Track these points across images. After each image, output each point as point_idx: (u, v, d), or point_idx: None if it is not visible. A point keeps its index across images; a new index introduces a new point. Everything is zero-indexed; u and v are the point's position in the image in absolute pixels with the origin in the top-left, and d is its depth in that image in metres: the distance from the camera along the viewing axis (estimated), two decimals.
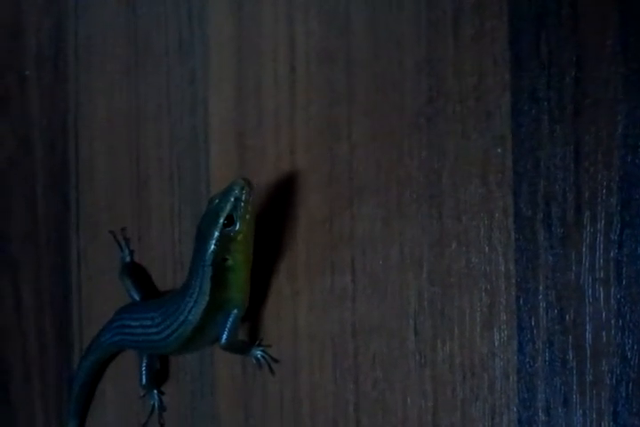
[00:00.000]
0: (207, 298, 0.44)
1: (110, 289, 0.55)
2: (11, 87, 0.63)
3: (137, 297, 0.52)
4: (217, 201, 0.43)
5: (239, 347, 0.46)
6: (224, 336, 0.45)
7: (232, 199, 0.42)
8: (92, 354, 0.54)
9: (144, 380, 0.52)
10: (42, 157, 0.62)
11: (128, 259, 0.54)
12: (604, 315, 0.34)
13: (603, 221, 0.34)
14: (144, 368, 0.51)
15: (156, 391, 0.53)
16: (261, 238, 0.46)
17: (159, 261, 0.53)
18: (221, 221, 0.42)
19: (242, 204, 0.42)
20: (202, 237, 0.44)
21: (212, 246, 0.43)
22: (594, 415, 0.34)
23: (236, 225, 0.43)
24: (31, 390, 0.63)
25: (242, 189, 0.42)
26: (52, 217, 0.61)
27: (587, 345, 0.35)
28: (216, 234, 0.43)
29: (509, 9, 0.37)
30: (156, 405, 0.53)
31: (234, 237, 0.43)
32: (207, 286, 0.44)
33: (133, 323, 0.49)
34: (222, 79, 0.49)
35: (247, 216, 0.43)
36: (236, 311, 0.45)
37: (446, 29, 0.39)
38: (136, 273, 0.54)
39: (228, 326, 0.45)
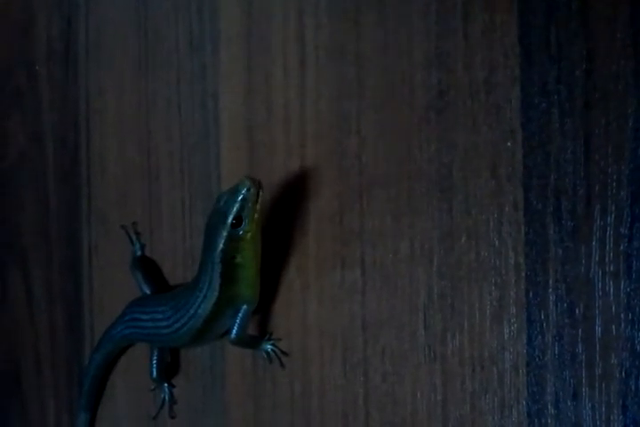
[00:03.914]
0: (217, 293, 0.44)
1: (121, 283, 0.56)
2: (21, 82, 0.64)
3: (148, 291, 0.53)
4: (224, 200, 0.43)
5: (249, 342, 0.47)
6: (234, 331, 0.45)
7: (239, 199, 0.42)
8: (103, 347, 0.55)
9: (155, 373, 0.52)
10: (53, 151, 0.62)
11: (139, 253, 0.55)
12: (613, 308, 0.34)
13: (613, 215, 0.34)
14: (155, 361, 0.52)
15: (166, 385, 0.53)
16: (271, 233, 0.46)
17: (170, 255, 0.53)
18: (229, 221, 0.43)
19: (249, 204, 0.43)
20: (210, 236, 0.44)
21: (221, 246, 0.43)
22: (603, 409, 0.34)
23: (244, 225, 0.43)
24: (43, 382, 0.63)
25: (248, 189, 0.42)
26: (64, 211, 0.62)
27: (596, 339, 0.35)
28: (224, 234, 0.43)
29: (519, 3, 0.37)
30: (167, 398, 0.53)
31: (242, 236, 0.43)
32: (217, 282, 0.44)
33: (144, 316, 0.50)
34: (232, 74, 0.50)
35: (255, 215, 0.43)
36: (245, 307, 0.45)
37: (456, 23, 0.39)
38: (147, 267, 0.54)
39: (237, 321, 0.45)
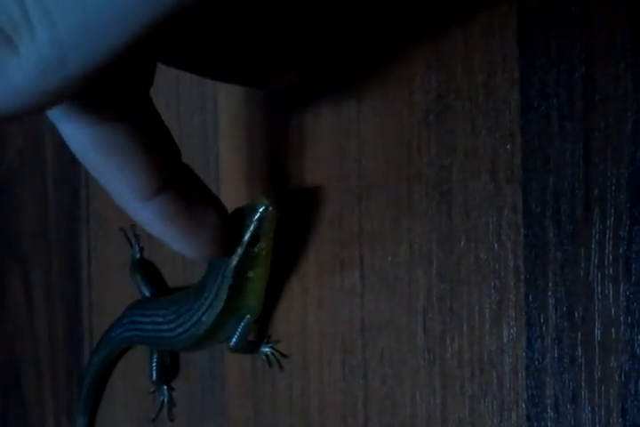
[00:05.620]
0: (222, 303, 0.44)
1: (120, 285, 0.56)
2: None
3: (147, 293, 0.53)
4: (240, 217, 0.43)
5: (247, 348, 0.47)
6: (234, 340, 0.45)
7: (256, 219, 0.43)
8: (102, 350, 0.55)
9: (154, 376, 0.52)
10: (52, 153, 0.62)
11: (138, 255, 0.55)
12: (612, 311, 0.34)
13: (612, 218, 0.34)
14: (154, 364, 0.52)
15: (165, 387, 0.53)
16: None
17: (169, 258, 0.53)
18: (246, 240, 0.43)
19: (266, 223, 0.43)
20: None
21: (235, 262, 0.43)
22: (602, 412, 0.34)
23: (260, 244, 0.43)
24: (42, 385, 0.63)
25: (267, 208, 0.42)
26: (63, 213, 0.62)
27: (595, 342, 0.34)
28: (239, 251, 0.43)
29: (519, 5, 0.37)
30: (166, 400, 0.53)
31: (257, 253, 0.43)
32: (224, 293, 0.44)
33: (144, 319, 0.50)
34: None
35: (271, 234, 0.43)
36: (248, 316, 0.45)
37: (456, 26, 0.39)
38: (146, 270, 0.54)
39: (239, 330, 0.45)
